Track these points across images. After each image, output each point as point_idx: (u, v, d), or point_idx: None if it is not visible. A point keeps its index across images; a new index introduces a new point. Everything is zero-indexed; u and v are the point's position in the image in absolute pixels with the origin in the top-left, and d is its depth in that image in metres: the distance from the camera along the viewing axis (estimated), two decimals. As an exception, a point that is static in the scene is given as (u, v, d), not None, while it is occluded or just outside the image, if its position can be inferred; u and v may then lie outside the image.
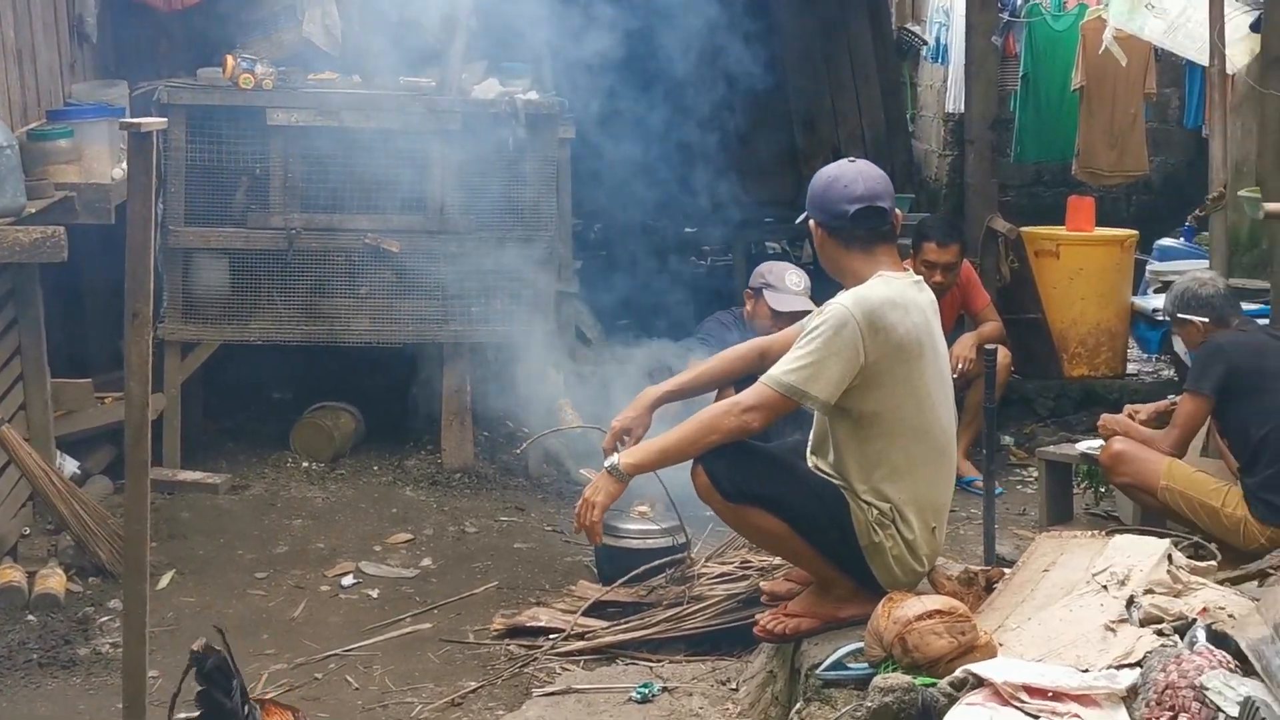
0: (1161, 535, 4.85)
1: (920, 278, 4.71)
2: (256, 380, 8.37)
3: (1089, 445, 6.90)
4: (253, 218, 7.58)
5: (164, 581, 6.25)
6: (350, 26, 7.79)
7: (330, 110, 7.50)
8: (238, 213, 7.61)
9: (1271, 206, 5.52)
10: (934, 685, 3.85)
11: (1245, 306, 6.55)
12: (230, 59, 7.44)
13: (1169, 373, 9.97)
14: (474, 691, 5.32)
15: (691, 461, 4.60)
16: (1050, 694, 3.68)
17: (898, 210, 4.71)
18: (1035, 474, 7.69)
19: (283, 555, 6.69)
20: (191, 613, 6.03)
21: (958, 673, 3.86)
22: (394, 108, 7.57)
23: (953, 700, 3.77)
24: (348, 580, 6.42)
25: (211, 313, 7.62)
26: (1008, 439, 8.58)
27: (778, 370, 4.46)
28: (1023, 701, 3.67)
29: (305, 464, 7.76)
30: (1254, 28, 8.26)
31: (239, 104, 7.45)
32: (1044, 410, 9.25)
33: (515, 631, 5.79)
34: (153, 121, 3.91)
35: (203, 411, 8.13)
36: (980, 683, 3.79)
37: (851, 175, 4.61)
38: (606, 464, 4.62)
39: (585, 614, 5.76)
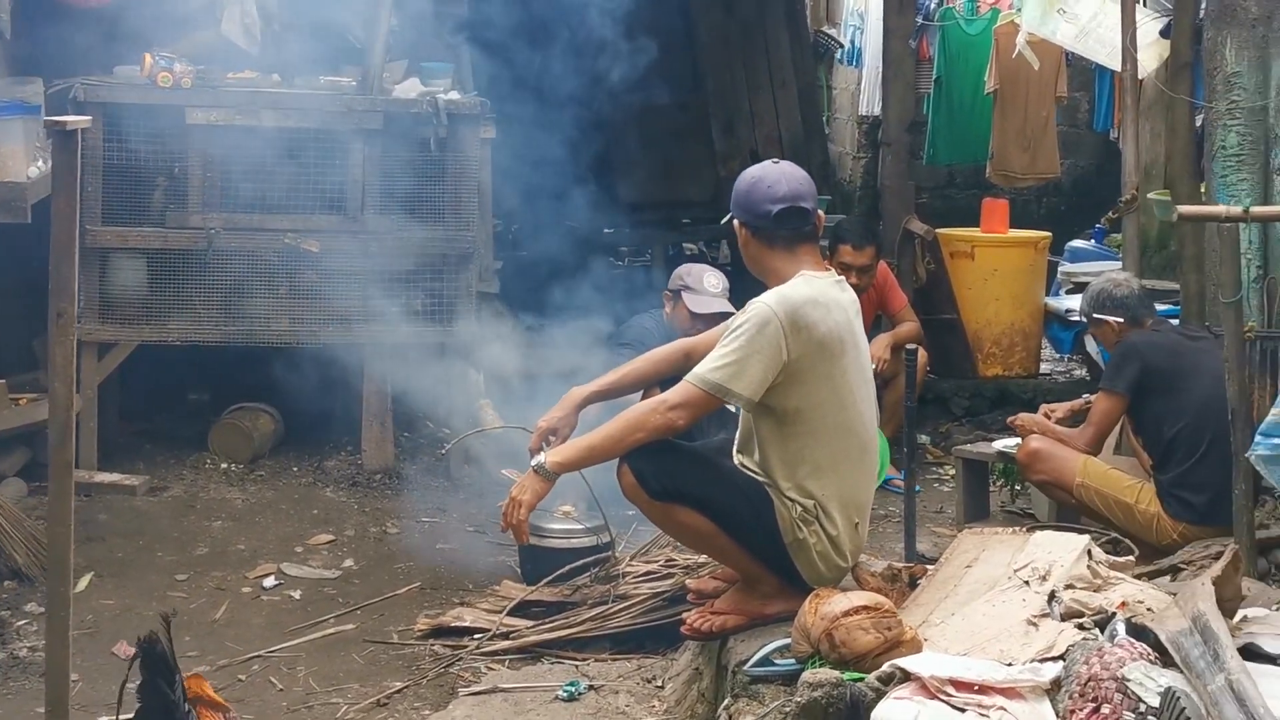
0: (1080, 531, 4.93)
1: (842, 277, 4.77)
2: (173, 381, 8.29)
3: (1005, 444, 7.01)
4: (171, 217, 7.50)
5: (82, 584, 6.18)
6: (269, 25, 7.72)
7: (249, 109, 7.44)
8: (156, 212, 7.53)
9: (1185, 209, 5.62)
10: (862, 680, 3.90)
11: (1157, 307, 6.67)
12: (148, 57, 7.36)
13: (1081, 372, 10.14)
14: (399, 692, 5.31)
15: (617, 461, 4.63)
16: (976, 687, 3.75)
17: (820, 211, 4.78)
18: (952, 472, 7.81)
19: (203, 557, 6.64)
20: (111, 615, 5.97)
21: (885, 667, 3.92)
22: (314, 107, 7.53)
23: (880, 695, 3.82)
24: (269, 582, 6.38)
25: (129, 313, 7.54)
26: (924, 438, 8.68)
27: (702, 368, 4.50)
28: (949, 695, 3.73)
29: (224, 465, 7.70)
30: (1164, 33, 8.42)
31: (157, 102, 7.37)
32: (959, 409, 9.37)
33: (440, 632, 5.78)
34: (77, 120, 3.87)
35: (119, 413, 8.04)
36: (907, 677, 3.84)
37: (775, 176, 4.67)
38: (533, 463, 4.64)
39: (510, 614, 5.76)
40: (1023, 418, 6.71)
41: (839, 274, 7.62)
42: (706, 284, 7.17)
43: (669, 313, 7.31)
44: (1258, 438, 4.87)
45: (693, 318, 7.03)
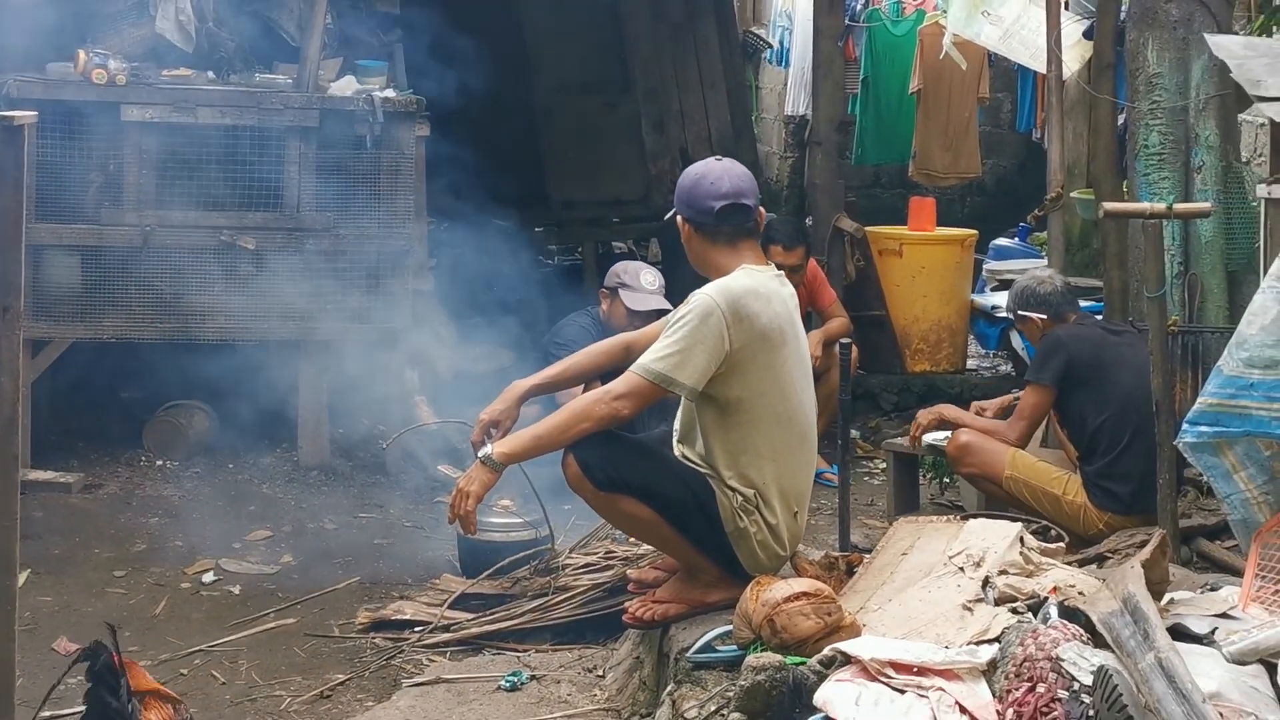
0: (1013, 520, 5.06)
1: (781, 272, 4.86)
2: (108, 378, 8.27)
3: (935, 437, 7.12)
4: (106, 214, 7.48)
5: (19, 581, 6.13)
6: (204, 22, 7.72)
7: (185, 107, 7.45)
8: (91, 209, 7.50)
9: (1111, 206, 5.76)
10: (804, 664, 3.99)
11: (1081, 304, 6.81)
12: (82, 54, 7.34)
13: (1007, 368, 10.32)
14: (342, 684, 5.35)
15: (562, 452, 4.70)
16: (915, 669, 3.84)
17: (760, 208, 4.87)
18: (882, 466, 7.92)
19: (141, 553, 6.65)
20: (49, 612, 5.97)
21: (826, 651, 4.01)
22: (249, 105, 7.53)
23: (822, 677, 3.91)
24: (208, 577, 6.39)
25: (63, 310, 7.52)
26: (854, 432, 8.79)
27: (646, 359, 4.59)
28: (889, 677, 3.83)
29: (160, 462, 7.70)
30: (1087, 35, 8.59)
31: (91, 99, 7.36)
32: (888, 404, 9.51)
33: (380, 625, 5.82)
34: (23, 115, 3.91)
35: (52, 410, 8.01)
36: (848, 660, 3.94)
37: (718, 173, 4.76)
38: (480, 454, 4.70)
39: (451, 607, 5.82)
40: (924, 413, 6.84)
41: None
42: (643, 281, 7.25)
43: (605, 310, 7.38)
44: (1185, 426, 5.01)
45: (630, 315, 7.10)
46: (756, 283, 4.63)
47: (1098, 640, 3.87)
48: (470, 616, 5.75)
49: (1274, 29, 8.44)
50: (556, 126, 11.46)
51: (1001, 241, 11.15)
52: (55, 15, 7.54)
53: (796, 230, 8.37)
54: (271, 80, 7.69)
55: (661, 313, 5.86)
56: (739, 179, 4.74)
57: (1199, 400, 4.97)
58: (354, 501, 7.44)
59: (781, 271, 4.88)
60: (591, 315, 7.61)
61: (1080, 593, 4.28)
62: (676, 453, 4.80)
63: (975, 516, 5.12)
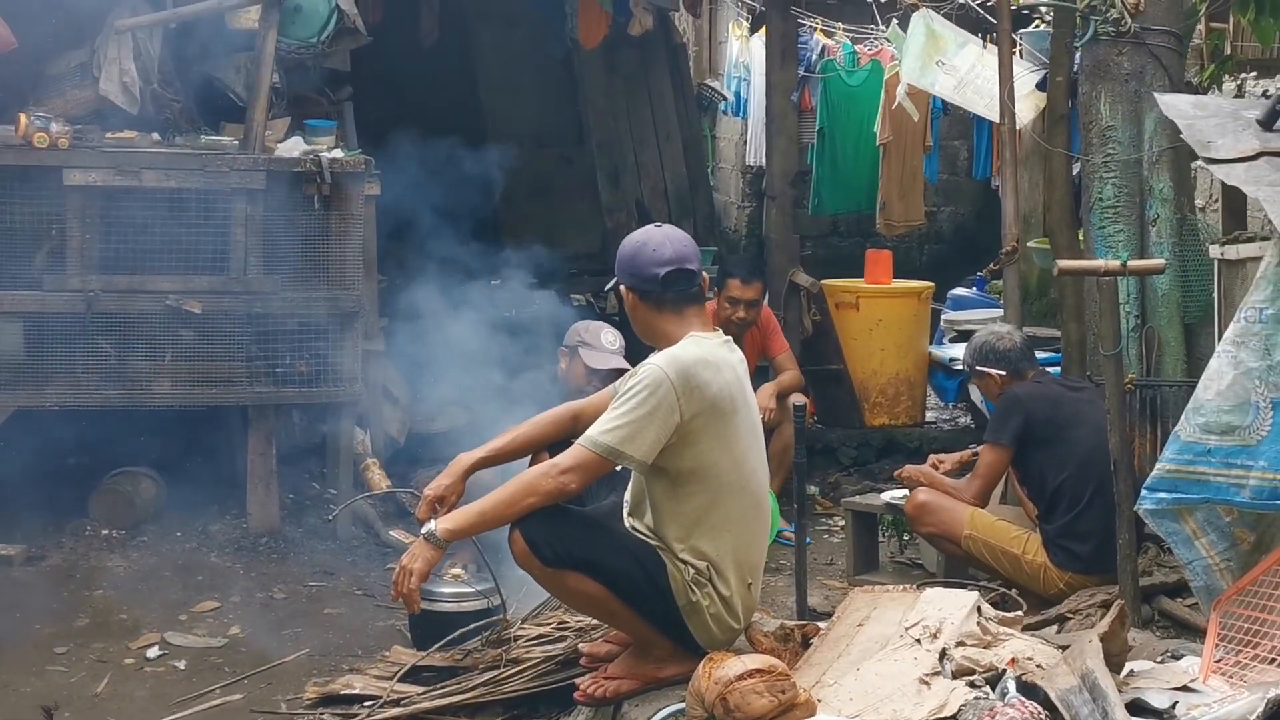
0: (966, 585, 4.98)
1: (729, 338, 4.78)
2: (52, 446, 8.10)
3: (894, 495, 7.07)
4: (49, 280, 7.33)
5: (-43, 659, 6.02)
6: (149, 84, 7.62)
7: (129, 169, 7.31)
8: (33, 275, 7.36)
9: (1065, 264, 5.71)
10: (757, 745, 3.89)
11: (1037, 354, 6.76)
12: (23, 117, 7.21)
13: (966, 420, 10.26)
14: (290, 764, 5.23)
15: (509, 528, 4.60)
16: (870, 750, 3.76)
17: (703, 273, 4.80)
18: (841, 523, 7.84)
19: (84, 628, 6.50)
20: (-13, 692, 5.82)
21: (780, 731, 3.92)
22: (195, 167, 7.41)
23: (776, 760, 3.82)
24: (153, 652, 6.25)
25: (4, 378, 7.35)
26: (813, 488, 8.72)
27: (595, 431, 4.49)
28: (844, 759, 3.74)
29: (105, 532, 7.52)
30: (1040, 86, 8.58)
31: (33, 163, 7.21)
32: (847, 459, 9.45)
33: (329, 700, 5.67)
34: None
35: (-7, 479, 7.86)
36: (802, 741, 3.85)
37: (659, 239, 4.69)
38: (423, 531, 4.59)
39: (401, 680, 5.67)
40: (908, 470, 6.77)
41: (726, 309, 7.85)
42: (604, 340, 7.20)
43: (564, 368, 7.31)
44: (1144, 492, 4.95)
45: (589, 373, 7.04)
46: (705, 351, 4.55)
47: (1056, 717, 3.78)
48: (420, 690, 5.61)
49: (1225, 79, 8.47)
50: (511, 180, 11.39)
51: (959, 291, 11.12)
52: (-4, 77, 7.44)
53: (754, 265, 8.41)
54: (217, 141, 7.58)
55: (621, 372, 5.78)
56: (681, 244, 4.67)
57: (1157, 466, 4.91)
58: (304, 569, 7.30)
59: (729, 337, 4.78)
60: (549, 373, 7.54)
61: (1038, 665, 4.20)
62: (627, 525, 4.70)
63: (932, 584, 5.04)
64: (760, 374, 8.22)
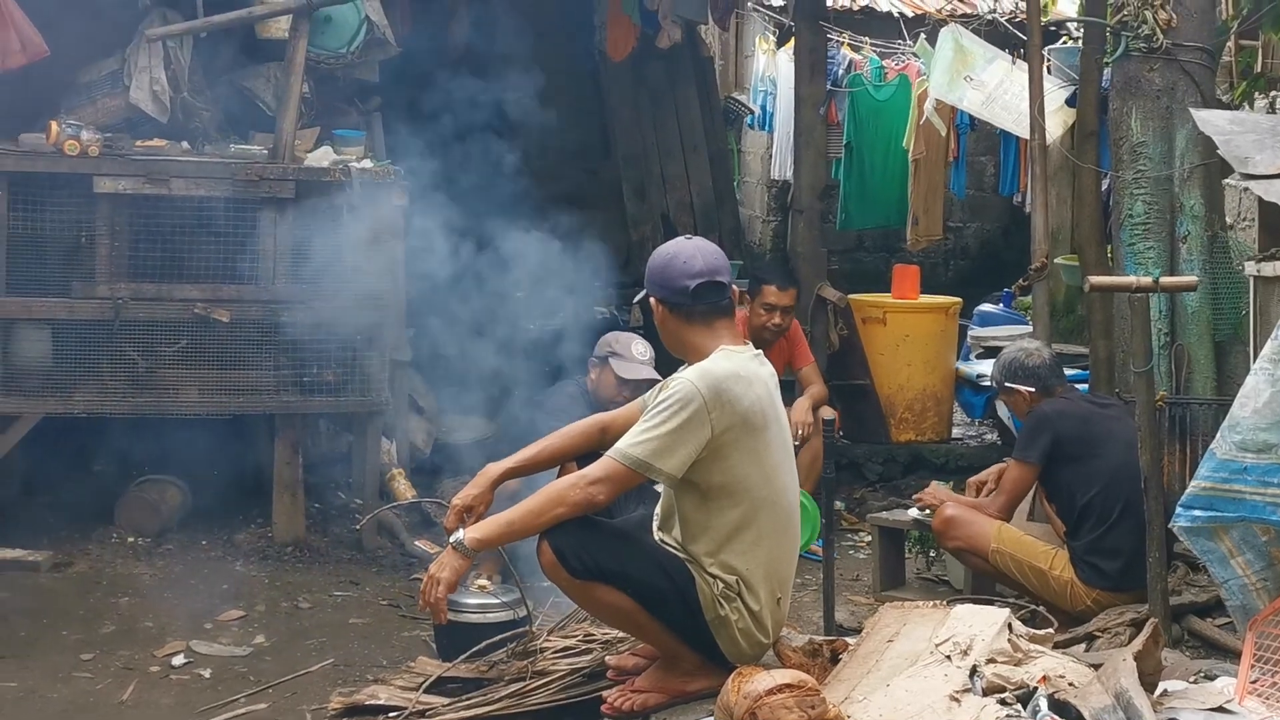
0: (994, 602, 4.94)
1: (760, 352, 4.76)
2: (79, 453, 8.13)
3: (920, 511, 7.03)
4: (77, 287, 7.36)
5: (-16, 666, 6.02)
6: (179, 93, 7.64)
7: (159, 178, 7.33)
8: (62, 282, 7.38)
9: (1096, 280, 5.68)
10: (786, 761, 3.87)
11: (1066, 371, 6.73)
12: (54, 125, 7.24)
13: (993, 436, 10.22)
14: (314, 774, 5.22)
15: (537, 539, 4.59)
16: (901, 768, 3.73)
17: (735, 285, 4.79)
18: (867, 539, 7.81)
19: (109, 635, 6.48)
20: (14, 698, 5.79)
21: (809, 748, 3.89)
22: (224, 176, 7.43)
23: (805, 776, 3.79)
24: (178, 660, 6.23)
25: (32, 385, 7.37)
26: (839, 504, 8.70)
27: (624, 444, 4.47)
28: (875, 776, 3.71)
29: (131, 539, 7.53)
30: (1070, 102, 8.56)
31: (64, 171, 7.23)
32: (873, 474, 9.42)
33: (354, 710, 5.66)
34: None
35: (21, 486, 7.87)
36: (832, 757, 3.82)
37: (690, 251, 4.67)
38: (451, 540, 4.59)
39: (426, 691, 5.67)
40: (928, 495, 6.76)
41: (762, 315, 7.84)
42: (635, 351, 7.20)
43: (594, 379, 7.30)
44: (1179, 510, 4.91)
45: (620, 383, 7.04)
46: (737, 365, 4.53)
47: (1089, 737, 3.75)
48: (446, 701, 5.60)
49: (1256, 96, 8.43)
50: (538, 192, 11.40)
51: (986, 307, 11.10)
52: (28, 85, 7.45)
53: (789, 271, 8.44)
54: (247, 150, 7.59)
55: (652, 382, 5.78)
56: (711, 256, 4.65)
57: (1192, 483, 4.88)
58: (329, 579, 7.29)
59: (760, 351, 4.76)
60: (579, 384, 7.52)
61: (1070, 683, 4.17)
62: (655, 538, 4.68)
63: (962, 601, 5.01)
64: (786, 386, 8.20)
